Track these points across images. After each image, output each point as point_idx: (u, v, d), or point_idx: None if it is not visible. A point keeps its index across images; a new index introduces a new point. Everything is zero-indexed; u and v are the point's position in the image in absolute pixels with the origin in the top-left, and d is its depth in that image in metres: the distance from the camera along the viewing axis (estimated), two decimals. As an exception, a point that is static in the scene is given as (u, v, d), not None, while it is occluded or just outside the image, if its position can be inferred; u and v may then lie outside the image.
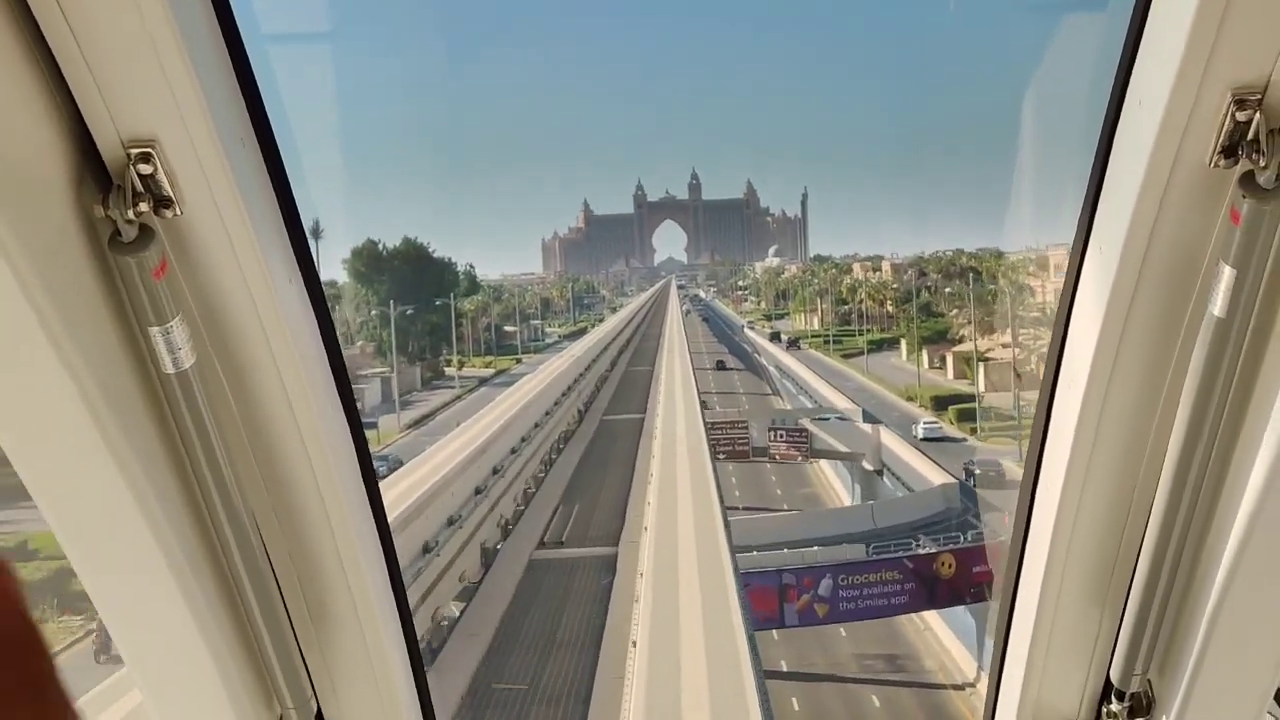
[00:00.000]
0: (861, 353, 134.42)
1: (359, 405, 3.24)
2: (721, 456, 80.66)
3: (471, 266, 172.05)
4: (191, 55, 2.24)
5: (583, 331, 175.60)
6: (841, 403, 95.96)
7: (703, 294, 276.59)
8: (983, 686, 41.24)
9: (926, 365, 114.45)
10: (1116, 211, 2.61)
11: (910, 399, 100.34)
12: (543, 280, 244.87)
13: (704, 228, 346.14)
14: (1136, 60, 2.48)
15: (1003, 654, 3.40)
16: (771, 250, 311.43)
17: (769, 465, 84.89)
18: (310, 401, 2.78)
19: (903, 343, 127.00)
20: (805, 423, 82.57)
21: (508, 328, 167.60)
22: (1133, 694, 3.13)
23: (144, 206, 2.39)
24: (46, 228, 2.29)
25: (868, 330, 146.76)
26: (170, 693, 2.90)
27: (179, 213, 2.43)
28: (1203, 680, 2.94)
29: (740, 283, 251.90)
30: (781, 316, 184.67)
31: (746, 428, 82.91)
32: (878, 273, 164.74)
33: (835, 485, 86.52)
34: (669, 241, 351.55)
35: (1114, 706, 3.18)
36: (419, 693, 3.45)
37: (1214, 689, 2.96)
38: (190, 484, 2.74)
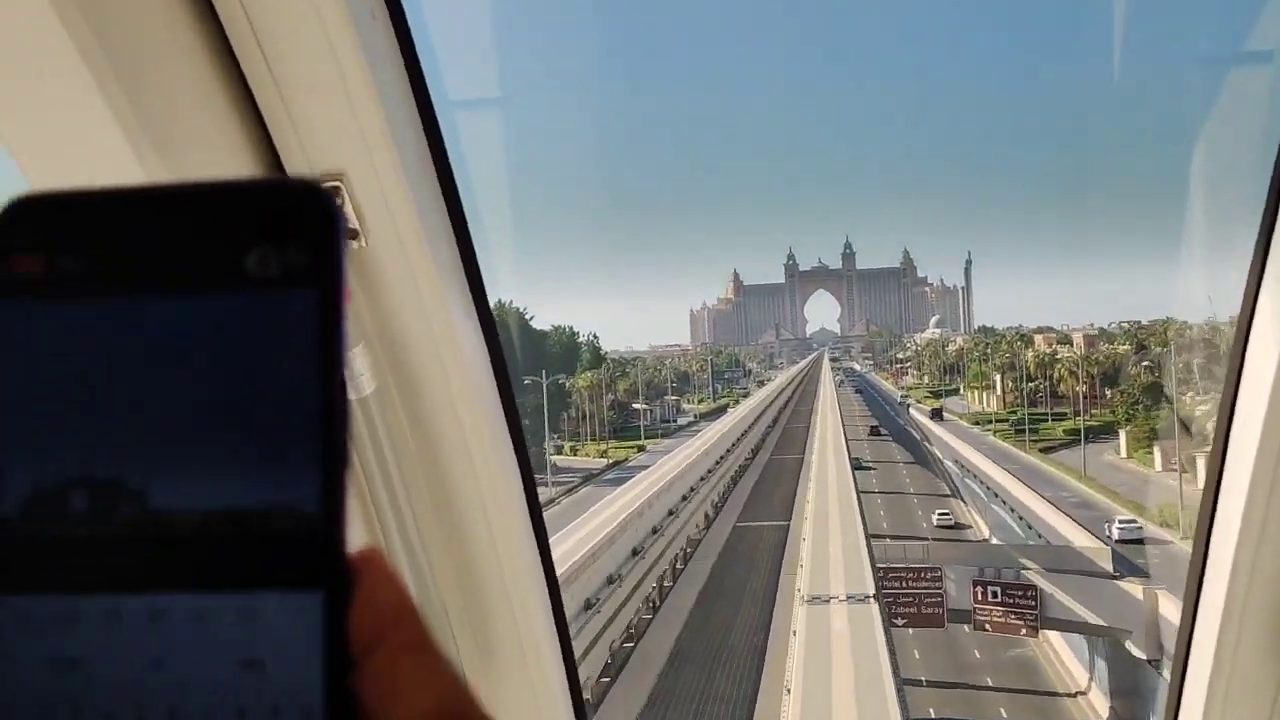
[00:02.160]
0: (1064, 444, 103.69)
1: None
2: (900, 622, 51.79)
3: (595, 337, 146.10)
4: (382, 100, 2.30)
5: (722, 410, 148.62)
6: (1066, 528, 65.72)
7: (857, 366, 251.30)
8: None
9: (1160, 466, 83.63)
10: None
11: (1167, 524, 69.55)
12: (685, 353, 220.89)
13: (858, 297, 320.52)
14: None
15: (1176, 708, 3.21)
16: (933, 320, 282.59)
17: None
18: (483, 435, 2.75)
19: (1122, 435, 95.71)
20: (1034, 577, 52.76)
21: (636, 405, 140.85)
22: None
23: None
24: None
25: (1063, 415, 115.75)
26: None
27: (363, 244, 2.42)
28: None
29: (899, 355, 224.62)
30: (952, 393, 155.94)
31: (939, 578, 53.64)
32: (1067, 345, 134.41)
33: (1059, 650, 56.87)
34: (821, 312, 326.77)
35: None
36: None
37: None
38: (366, 507, 2.70)
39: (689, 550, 66.06)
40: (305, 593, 0.69)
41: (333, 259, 0.72)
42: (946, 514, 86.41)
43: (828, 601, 43.59)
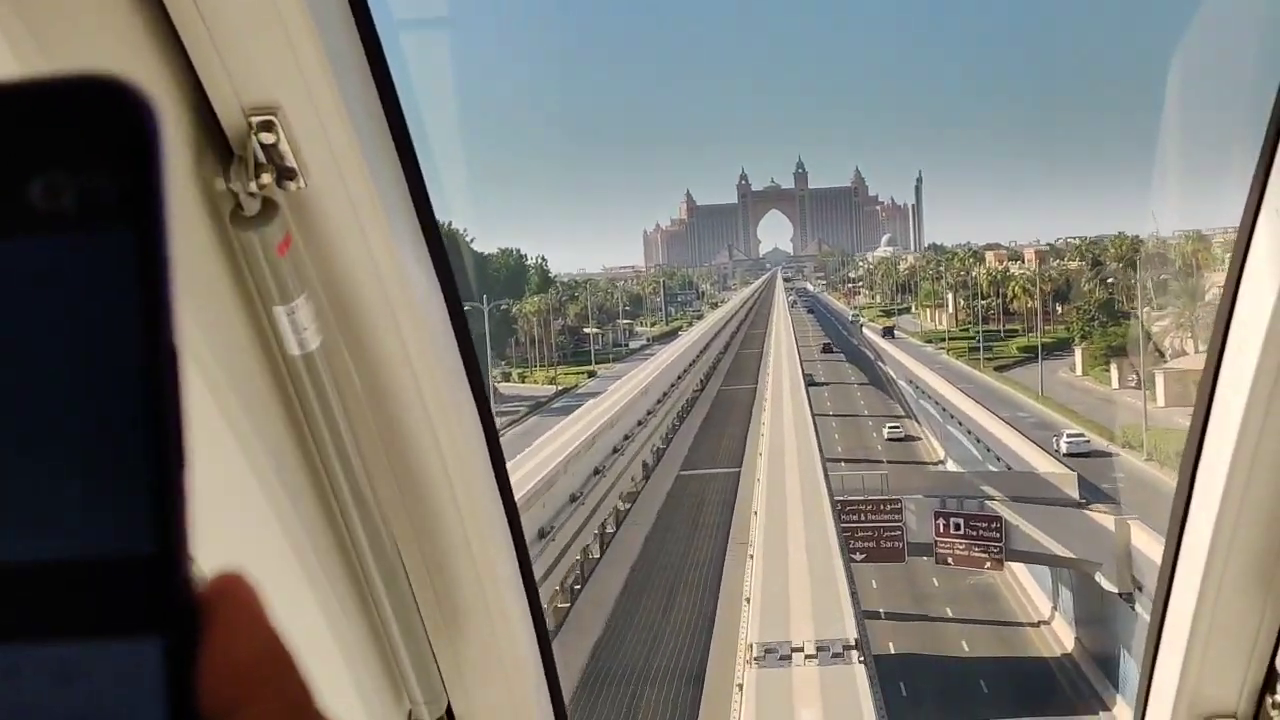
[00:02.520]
0: (1018, 362, 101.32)
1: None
2: (860, 557, 49.06)
3: (543, 260, 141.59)
4: (316, 21, 2.11)
5: (675, 334, 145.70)
6: (1025, 450, 63.21)
7: (810, 286, 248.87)
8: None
9: (1116, 383, 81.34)
10: None
11: (1131, 445, 67.17)
12: (639, 274, 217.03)
13: (810, 217, 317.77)
14: None
15: (1157, 642, 3.15)
16: (884, 239, 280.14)
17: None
18: (440, 386, 2.57)
19: (1077, 352, 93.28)
20: (999, 507, 49.85)
21: (587, 330, 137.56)
22: None
23: (266, 178, 2.19)
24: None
25: (1015, 332, 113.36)
26: None
27: (303, 185, 2.24)
28: None
29: (851, 274, 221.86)
30: (904, 311, 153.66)
31: (899, 510, 50.69)
32: (1018, 261, 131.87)
33: (1021, 578, 54.57)
34: (774, 232, 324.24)
35: None
36: (550, 689, 3.23)
37: None
38: (317, 470, 2.55)
39: (625, 506, 58.91)
40: (138, 640, 0.52)
41: (150, 186, 0.53)
42: (897, 427, 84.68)
43: (788, 659, 34.04)
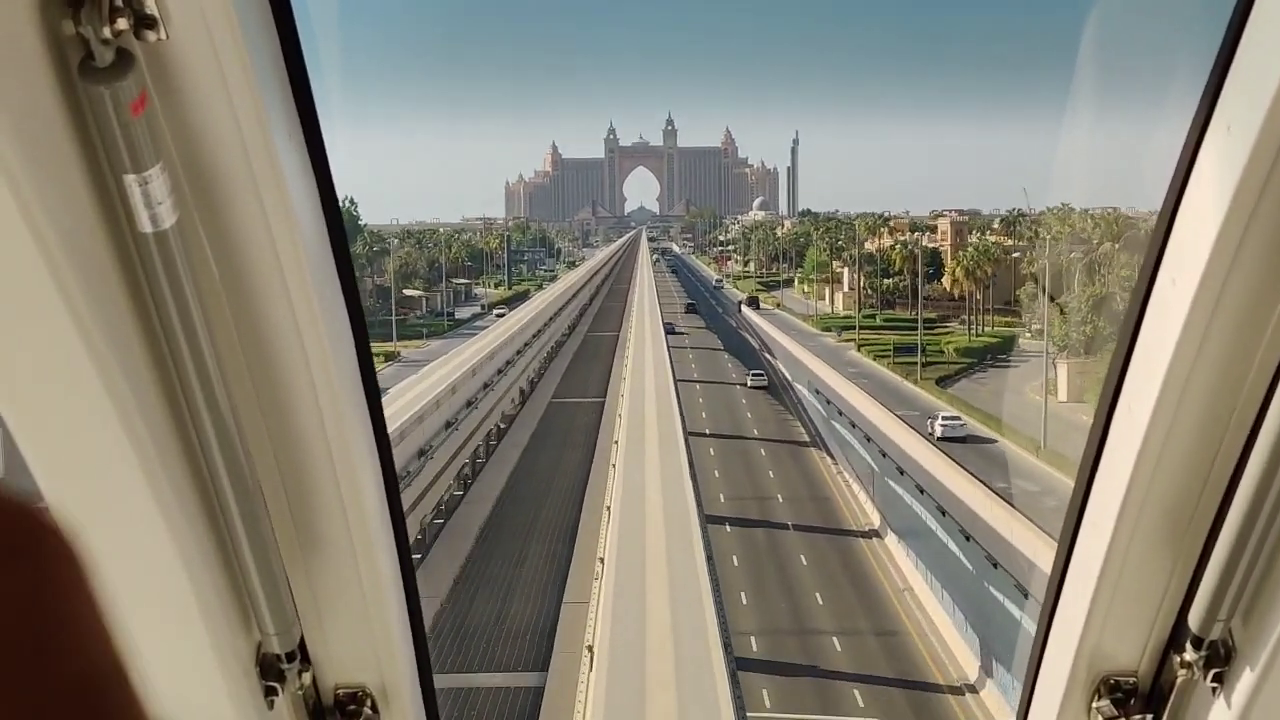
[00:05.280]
0: (960, 370, 71.36)
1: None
2: None
3: (352, 203, 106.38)
4: None
5: (523, 296, 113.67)
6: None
7: (675, 247, 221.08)
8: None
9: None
10: (1255, 80, 2.03)
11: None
12: (488, 226, 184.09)
13: (678, 176, 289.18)
14: None
15: (1056, 596, 2.87)
16: (756, 202, 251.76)
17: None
18: (307, 280, 2.18)
19: (1061, 369, 63.04)
20: None
21: (410, 292, 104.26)
22: (1210, 642, 2.59)
23: (123, 24, 1.82)
24: (4, 45, 1.80)
25: (933, 322, 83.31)
26: (137, 610, 2.34)
27: (163, 36, 1.86)
28: None
29: (721, 238, 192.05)
30: (786, 283, 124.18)
31: None
32: (927, 233, 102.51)
33: None
34: (641, 190, 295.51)
35: (1189, 655, 2.62)
36: (412, 626, 2.88)
37: None
38: (166, 367, 2.15)
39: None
40: None
41: None
42: (760, 374, 68.62)
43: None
